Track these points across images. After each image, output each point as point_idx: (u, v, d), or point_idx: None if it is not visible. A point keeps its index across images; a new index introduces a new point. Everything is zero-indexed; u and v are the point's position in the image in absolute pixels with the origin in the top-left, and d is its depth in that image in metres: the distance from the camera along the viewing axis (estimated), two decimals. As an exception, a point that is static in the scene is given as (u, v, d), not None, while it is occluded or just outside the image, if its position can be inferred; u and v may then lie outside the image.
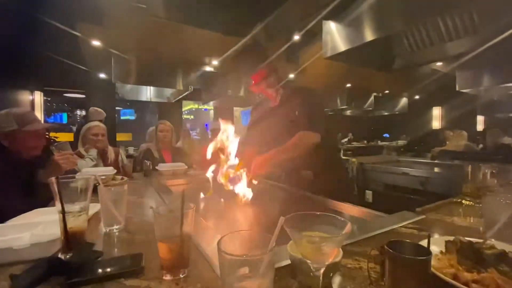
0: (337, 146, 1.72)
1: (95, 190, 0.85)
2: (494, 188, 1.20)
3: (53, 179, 0.67)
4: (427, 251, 0.49)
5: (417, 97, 7.17)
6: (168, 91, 4.95)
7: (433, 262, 0.58)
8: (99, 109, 4.16)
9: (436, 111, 7.71)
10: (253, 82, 1.49)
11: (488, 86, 3.60)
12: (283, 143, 1.38)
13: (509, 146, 3.12)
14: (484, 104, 6.37)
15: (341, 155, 1.61)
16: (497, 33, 2.21)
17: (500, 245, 0.65)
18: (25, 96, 4.71)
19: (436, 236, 0.84)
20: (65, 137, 4.39)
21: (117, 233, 0.88)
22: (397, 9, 2.15)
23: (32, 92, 4.77)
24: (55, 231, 0.71)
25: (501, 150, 3.03)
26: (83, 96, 5.62)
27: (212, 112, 9.14)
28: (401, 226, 0.91)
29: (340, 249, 0.59)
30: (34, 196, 1.25)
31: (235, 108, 8.00)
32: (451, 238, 0.67)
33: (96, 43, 3.19)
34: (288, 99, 1.50)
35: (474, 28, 2.28)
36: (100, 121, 3.84)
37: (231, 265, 0.40)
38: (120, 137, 6.81)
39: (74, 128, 3.84)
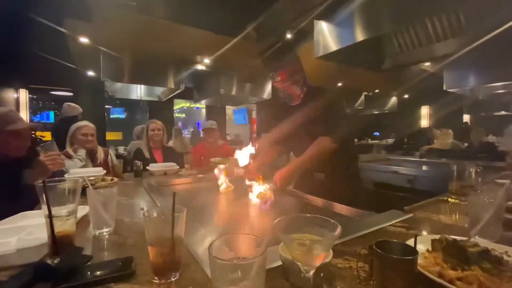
0: (356, 152, 1.71)
1: (83, 192, 0.83)
2: (478, 186, 1.24)
3: (39, 182, 0.66)
4: (413, 251, 0.50)
5: (406, 96, 7.32)
6: (159, 90, 4.88)
7: (419, 260, 0.60)
8: (73, 104, 4.01)
9: (425, 110, 7.89)
10: (279, 78, 1.45)
11: (473, 86, 3.71)
12: (303, 143, 1.41)
13: (492, 144, 3.22)
14: (470, 103, 6.55)
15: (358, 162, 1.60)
16: (482, 35, 2.28)
17: (484, 243, 0.67)
18: (9, 94, 4.57)
19: (424, 233, 0.87)
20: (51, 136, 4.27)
21: (107, 236, 0.86)
22: (386, 10, 2.18)
23: (17, 90, 4.63)
24: (42, 235, 0.69)
25: (485, 148, 3.13)
26: (71, 94, 5.49)
27: (204, 110, 9.09)
28: (390, 225, 0.93)
29: (331, 249, 0.60)
30: (20, 199, 1.22)
31: (227, 107, 7.97)
32: (437, 236, 0.69)
33: (84, 40, 3.12)
34: (310, 98, 1.49)
35: (460, 30, 2.33)
36: (75, 116, 3.74)
37: (222, 269, 0.41)
38: (110, 136, 6.70)
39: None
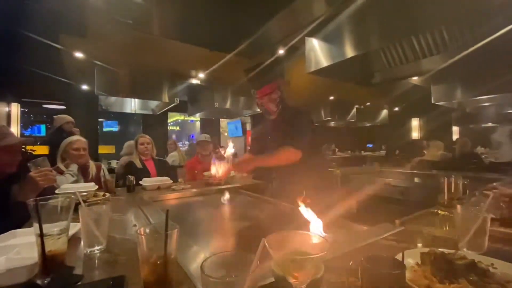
0: (326, 163, 1.96)
1: (75, 209, 0.83)
2: (465, 198, 1.27)
3: (31, 201, 0.65)
4: (401, 265, 0.52)
5: (396, 109, 7.51)
6: (153, 103, 4.91)
7: (408, 274, 0.61)
8: (61, 115, 3.95)
9: (415, 122, 8.08)
10: (258, 95, 1.65)
11: (460, 99, 3.84)
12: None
13: (478, 156, 3.31)
14: (458, 115, 6.75)
15: (328, 169, 1.86)
16: (464, 49, 2.40)
17: (471, 255, 0.69)
18: (1, 108, 4.52)
19: (418, 245, 0.88)
20: (43, 150, 4.21)
21: (98, 254, 0.85)
22: (374, 29, 2.29)
23: (9, 104, 4.58)
24: (32, 255, 0.68)
25: (473, 159, 3.21)
26: (64, 107, 5.46)
27: (198, 123, 9.11)
28: (381, 238, 0.94)
29: (322, 265, 0.61)
30: (9, 216, 1.19)
31: (221, 120, 8.02)
32: (426, 249, 0.71)
33: (79, 54, 3.15)
34: (285, 115, 1.68)
35: (444, 46, 2.45)
36: (69, 122, 3.70)
37: (215, 287, 0.41)
38: (103, 149, 6.61)
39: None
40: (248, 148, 1.75)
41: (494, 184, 1.48)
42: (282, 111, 1.69)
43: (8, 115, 4.59)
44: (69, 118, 3.86)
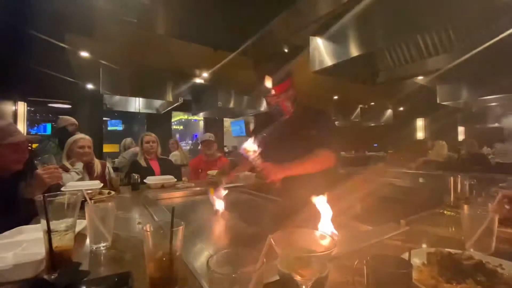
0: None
1: (81, 206, 0.83)
2: (471, 199, 1.26)
3: (40, 197, 0.66)
4: (408, 264, 0.51)
5: (401, 109, 7.44)
6: (157, 103, 4.93)
7: (415, 274, 0.61)
8: (66, 117, 3.97)
9: (420, 122, 8.01)
10: (274, 92, 1.47)
11: (466, 99, 3.80)
12: (295, 156, 1.39)
13: (485, 156, 3.27)
14: (464, 115, 6.68)
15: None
16: (471, 50, 2.36)
17: (478, 256, 0.68)
18: (8, 107, 4.58)
19: (423, 245, 0.87)
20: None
21: (104, 251, 0.86)
22: (379, 27, 2.27)
23: (15, 102, 4.65)
24: (39, 250, 0.69)
25: (479, 160, 3.17)
26: (69, 106, 5.52)
27: (202, 123, 9.14)
28: (386, 238, 0.94)
29: (327, 263, 0.60)
30: (16, 213, 1.21)
31: (225, 119, 8.03)
32: (433, 250, 0.70)
33: (84, 54, 3.18)
34: (303, 116, 1.53)
35: (450, 45, 2.42)
36: (73, 124, 3.74)
37: (221, 283, 0.41)
38: (107, 148, 6.67)
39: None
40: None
41: (500, 185, 1.47)
42: (297, 110, 1.55)
43: (15, 113, 4.66)
44: (73, 120, 3.90)
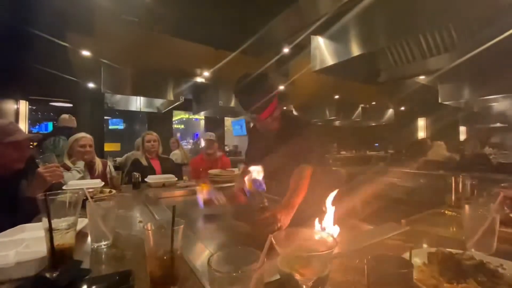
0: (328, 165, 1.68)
1: (82, 204, 0.84)
2: (473, 199, 1.26)
3: (41, 195, 0.66)
4: (409, 264, 0.51)
5: (402, 108, 7.43)
6: (158, 101, 4.93)
7: (416, 274, 0.61)
8: (67, 116, 3.97)
9: (421, 122, 7.99)
10: (261, 118, 1.39)
11: (468, 99, 3.78)
12: (284, 170, 1.37)
13: (486, 156, 3.26)
14: (465, 115, 6.65)
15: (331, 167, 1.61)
16: (473, 49, 2.35)
17: (479, 256, 0.68)
18: (9, 105, 4.59)
19: (424, 245, 0.87)
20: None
21: (105, 249, 0.86)
22: (380, 26, 2.26)
23: (17, 101, 4.66)
24: (41, 249, 0.69)
25: (481, 160, 3.16)
26: (70, 105, 5.53)
27: (202, 122, 9.14)
28: (387, 238, 0.93)
29: (328, 263, 0.60)
30: (18, 211, 1.21)
31: (226, 118, 8.03)
32: (433, 249, 0.70)
33: (85, 53, 3.18)
34: (287, 130, 1.48)
35: (452, 45, 2.42)
36: (71, 128, 3.77)
37: (222, 282, 0.41)
38: (108, 147, 6.69)
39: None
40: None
41: (502, 185, 1.46)
42: (283, 124, 1.50)
43: (16, 112, 4.66)
44: (73, 123, 3.91)
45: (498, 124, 6.20)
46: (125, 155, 3.71)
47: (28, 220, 1.07)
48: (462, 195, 1.29)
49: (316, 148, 1.46)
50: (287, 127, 1.50)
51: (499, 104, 4.49)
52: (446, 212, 1.25)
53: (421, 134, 7.94)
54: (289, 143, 1.43)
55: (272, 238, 0.47)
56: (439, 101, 4.00)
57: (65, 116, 3.97)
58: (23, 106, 4.75)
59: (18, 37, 3.12)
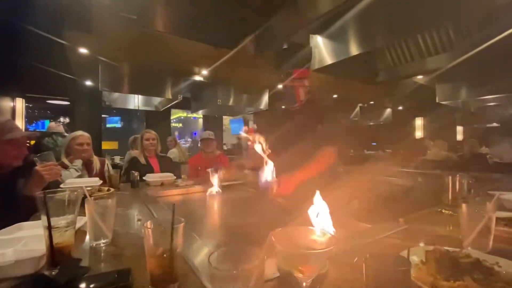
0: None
1: (82, 203, 0.84)
2: (469, 198, 1.27)
3: (40, 193, 0.66)
4: (406, 262, 0.52)
5: (400, 108, 7.46)
6: (157, 100, 4.92)
7: (413, 271, 0.61)
8: (54, 124, 4.11)
9: (419, 122, 8.03)
10: (294, 75, 1.48)
11: (465, 99, 3.81)
12: (302, 150, 1.38)
13: (484, 156, 3.28)
14: (463, 115, 6.70)
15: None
16: (471, 49, 2.37)
17: (476, 254, 0.69)
18: (6, 103, 4.55)
19: (421, 244, 0.88)
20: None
21: (104, 248, 0.86)
22: (379, 26, 2.26)
23: (13, 98, 4.62)
24: (39, 247, 0.69)
25: (478, 160, 3.19)
26: (68, 103, 5.50)
27: (201, 120, 9.13)
28: (385, 236, 0.94)
29: (327, 260, 0.61)
30: (16, 209, 1.21)
31: (224, 117, 8.02)
32: (431, 248, 0.71)
33: (83, 50, 3.16)
34: (311, 109, 1.53)
35: (450, 45, 2.43)
36: (61, 133, 3.82)
37: (221, 280, 0.42)
38: (106, 145, 6.66)
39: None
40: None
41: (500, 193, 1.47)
42: (307, 102, 1.54)
43: (13, 110, 4.63)
44: (61, 129, 3.98)
45: (494, 124, 6.25)
46: (126, 155, 3.72)
47: (26, 218, 1.06)
48: (459, 194, 1.30)
49: (339, 132, 1.54)
50: (312, 108, 1.53)
51: (495, 104, 4.52)
52: (443, 211, 1.26)
53: (419, 133, 7.99)
54: (313, 123, 1.47)
55: (272, 236, 0.47)
56: (437, 101, 4.02)
57: (52, 124, 4.05)
58: (20, 104, 4.72)
59: (15, 34, 3.09)
